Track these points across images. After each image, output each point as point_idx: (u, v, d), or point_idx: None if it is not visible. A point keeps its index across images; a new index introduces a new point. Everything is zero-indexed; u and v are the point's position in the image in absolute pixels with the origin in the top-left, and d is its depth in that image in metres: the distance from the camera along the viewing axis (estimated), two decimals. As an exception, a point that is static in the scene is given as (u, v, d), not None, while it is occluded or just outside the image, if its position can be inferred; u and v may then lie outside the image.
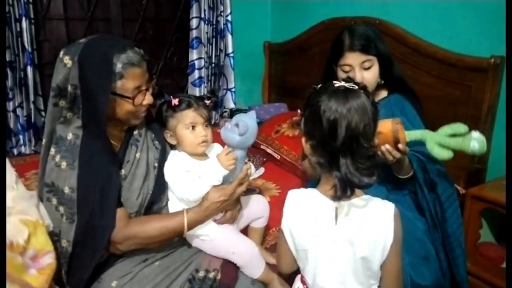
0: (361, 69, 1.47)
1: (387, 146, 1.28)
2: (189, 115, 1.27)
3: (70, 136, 1.14)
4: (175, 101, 1.26)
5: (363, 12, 2.35)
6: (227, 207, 1.29)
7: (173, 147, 1.34)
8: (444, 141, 1.24)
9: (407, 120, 1.47)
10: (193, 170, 1.25)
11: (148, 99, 1.20)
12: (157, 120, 1.34)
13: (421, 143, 1.48)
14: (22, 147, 2.56)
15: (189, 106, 1.27)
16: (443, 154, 1.24)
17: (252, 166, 1.32)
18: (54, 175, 1.14)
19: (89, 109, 1.12)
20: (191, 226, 1.23)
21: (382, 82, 1.55)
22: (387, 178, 1.43)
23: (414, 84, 1.93)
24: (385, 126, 1.25)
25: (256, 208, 1.40)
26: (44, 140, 1.20)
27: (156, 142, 1.32)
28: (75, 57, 1.11)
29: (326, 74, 1.60)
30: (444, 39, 2.02)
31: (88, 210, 1.12)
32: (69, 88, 1.12)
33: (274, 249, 1.49)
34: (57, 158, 1.14)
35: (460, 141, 1.21)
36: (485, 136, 1.82)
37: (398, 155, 1.30)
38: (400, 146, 1.27)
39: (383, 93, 1.58)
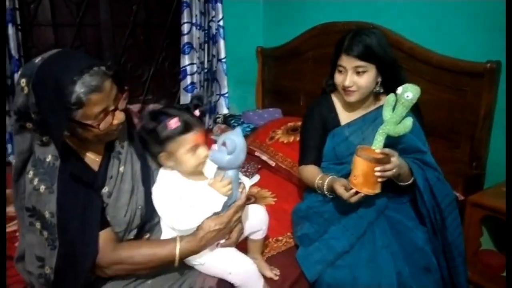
0: (353, 73, 1.47)
1: (377, 168, 1.29)
2: (191, 139, 1.16)
3: (49, 158, 1.05)
4: (173, 124, 1.14)
5: (357, 17, 2.33)
6: (223, 236, 1.21)
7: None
8: (394, 119, 1.31)
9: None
10: (187, 196, 1.17)
11: (118, 118, 1.08)
12: (142, 140, 1.22)
13: (420, 151, 1.47)
14: (11, 156, 2.49)
15: (190, 128, 1.16)
16: (406, 125, 1.31)
17: (246, 181, 1.24)
18: (34, 199, 1.05)
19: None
20: (183, 256, 1.15)
21: (381, 90, 1.53)
22: (387, 187, 1.41)
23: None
24: (359, 163, 1.31)
25: (255, 220, 1.34)
26: (15, 161, 1.10)
27: (136, 155, 1.23)
28: (30, 84, 1.00)
29: (332, 72, 1.59)
30: (439, 44, 2.00)
31: (69, 236, 1.04)
32: (33, 115, 1.02)
33: (271, 262, 1.45)
34: (35, 181, 1.05)
35: (400, 107, 1.30)
36: (482, 141, 1.85)
37: (392, 165, 1.31)
38: (383, 157, 1.31)
39: (382, 102, 1.55)
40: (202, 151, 1.18)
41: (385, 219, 1.48)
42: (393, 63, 1.51)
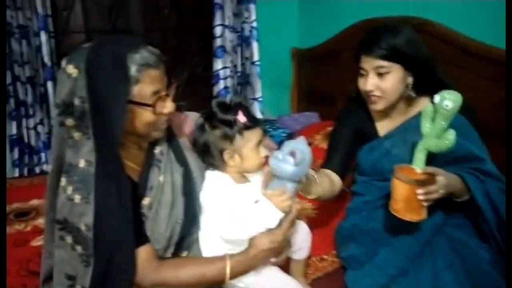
0: (375, 75, 1.29)
1: (420, 191, 1.10)
2: (257, 134, 1.11)
3: (82, 163, 0.96)
4: (243, 118, 1.08)
5: (401, 11, 2.15)
6: (276, 255, 1.10)
7: (211, 167, 1.16)
8: (435, 132, 1.13)
9: (458, 133, 1.27)
10: (239, 202, 1.09)
11: (169, 106, 1.03)
12: (202, 134, 1.14)
13: (477, 158, 1.28)
14: (44, 165, 2.47)
15: (257, 123, 1.11)
16: (449, 139, 1.11)
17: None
18: (67, 210, 0.97)
19: (102, 126, 0.95)
20: (234, 276, 1.05)
21: (413, 95, 1.35)
22: (444, 200, 1.22)
23: (465, 89, 1.69)
24: (398, 187, 1.14)
25: (297, 237, 1.21)
26: (51, 167, 1.03)
27: (178, 162, 1.15)
28: (81, 65, 0.94)
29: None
30: (496, 37, 1.80)
31: (107, 252, 0.95)
32: (76, 102, 0.95)
33: (317, 285, 1.30)
34: (69, 190, 0.96)
35: (439, 118, 1.11)
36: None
37: (437, 187, 1.13)
38: (425, 178, 1.13)
39: (421, 106, 1.33)
40: (263, 149, 1.12)
41: (443, 237, 1.30)
42: (426, 61, 1.32)
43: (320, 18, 2.85)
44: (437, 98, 1.10)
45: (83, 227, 0.95)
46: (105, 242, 0.95)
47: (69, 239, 0.98)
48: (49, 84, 2.34)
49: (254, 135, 1.10)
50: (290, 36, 3.06)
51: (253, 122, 1.09)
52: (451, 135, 1.11)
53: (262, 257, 1.06)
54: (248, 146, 1.09)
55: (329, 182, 1.38)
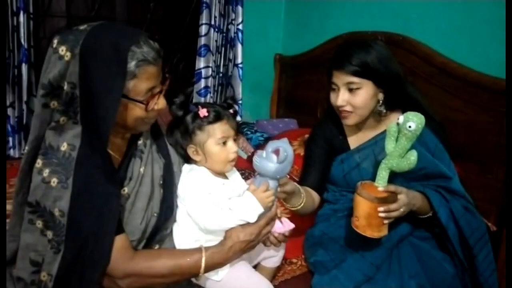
0: (346, 90, 1.31)
1: (381, 209, 1.13)
2: (222, 129, 1.09)
3: (64, 147, 0.92)
4: (203, 112, 1.08)
5: (385, 27, 2.20)
6: (251, 249, 1.11)
7: (190, 161, 1.15)
8: (398, 152, 1.14)
9: (426, 150, 1.30)
10: (216, 192, 1.09)
11: (161, 103, 1.02)
12: (171, 131, 1.16)
13: (444, 177, 1.31)
14: (11, 150, 2.37)
15: (220, 118, 1.10)
16: (410, 161, 1.13)
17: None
18: (40, 193, 0.92)
19: (91, 115, 0.92)
20: (209, 268, 1.04)
21: (384, 111, 1.37)
22: (411, 213, 1.25)
23: (440, 107, 1.76)
24: (360, 203, 1.15)
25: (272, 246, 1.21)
26: (27, 148, 0.98)
27: (160, 154, 1.14)
28: (75, 49, 0.90)
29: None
30: (475, 60, 1.86)
31: (79, 240, 0.92)
32: (66, 87, 0.91)
33: (283, 287, 1.29)
34: (45, 172, 0.92)
35: (403, 138, 1.13)
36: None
37: (398, 205, 1.15)
38: (387, 196, 1.16)
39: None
40: (232, 145, 1.11)
41: (411, 247, 1.33)
42: (397, 78, 1.34)
43: (306, 27, 2.88)
44: (401, 118, 1.12)
45: (57, 212, 0.91)
46: (79, 229, 0.92)
47: (39, 223, 0.94)
48: (24, 67, 2.26)
49: (217, 129, 1.09)
50: (274, 42, 3.07)
51: (215, 117, 1.09)
52: (413, 156, 1.12)
53: (238, 250, 1.06)
54: (211, 141, 1.09)
55: (310, 197, 1.41)
